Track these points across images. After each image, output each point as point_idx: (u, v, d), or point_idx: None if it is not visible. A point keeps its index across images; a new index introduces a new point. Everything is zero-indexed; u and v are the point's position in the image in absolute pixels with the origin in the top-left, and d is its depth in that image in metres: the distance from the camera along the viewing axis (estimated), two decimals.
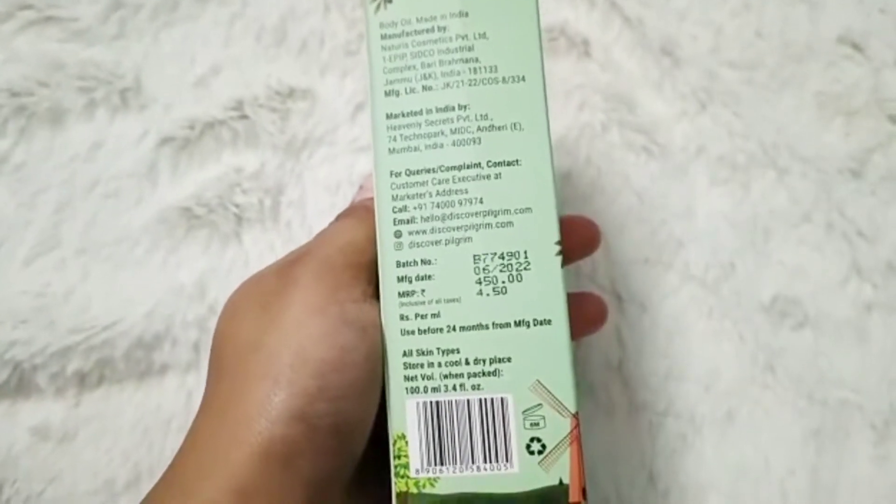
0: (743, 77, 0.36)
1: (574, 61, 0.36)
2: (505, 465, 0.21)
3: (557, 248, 0.22)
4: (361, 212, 0.25)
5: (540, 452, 0.21)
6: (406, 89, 0.23)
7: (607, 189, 0.35)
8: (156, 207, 0.33)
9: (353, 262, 0.23)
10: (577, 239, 0.29)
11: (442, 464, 0.22)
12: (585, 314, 0.30)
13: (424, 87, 0.23)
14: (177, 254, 0.33)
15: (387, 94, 0.23)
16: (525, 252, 0.22)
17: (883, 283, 0.35)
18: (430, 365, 0.22)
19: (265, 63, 0.34)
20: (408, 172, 0.23)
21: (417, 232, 0.23)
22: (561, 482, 0.21)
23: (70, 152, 0.33)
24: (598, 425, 0.33)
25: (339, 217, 0.26)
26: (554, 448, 0.21)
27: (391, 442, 0.22)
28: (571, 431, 0.21)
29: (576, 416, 0.22)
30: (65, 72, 0.33)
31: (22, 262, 0.32)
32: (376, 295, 0.24)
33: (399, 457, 0.22)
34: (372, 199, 0.25)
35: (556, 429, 0.21)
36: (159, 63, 0.34)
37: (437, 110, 0.23)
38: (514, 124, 0.22)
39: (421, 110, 0.23)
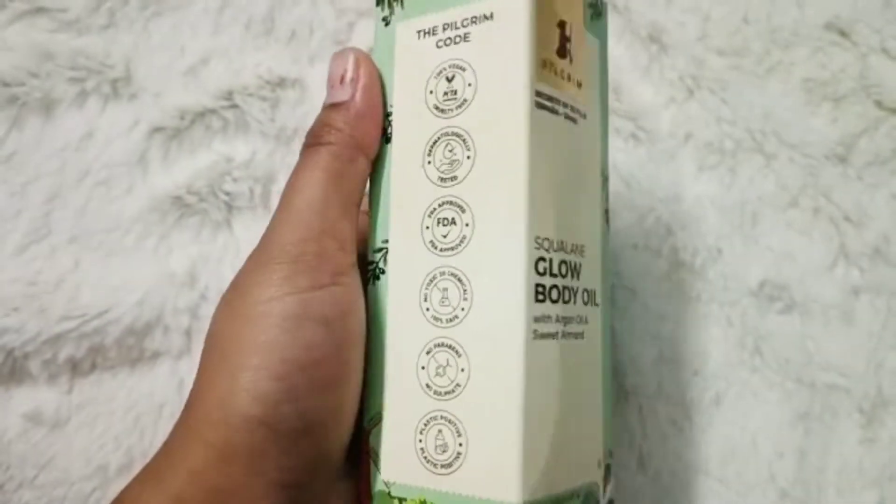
0: (730, 63, 0.36)
1: None
2: None
3: None
4: (318, 143, 0.21)
5: None
6: None
7: None
8: (147, 196, 0.33)
9: (317, 230, 0.20)
10: None
11: None
12: None
13: None
14: (168, 242, 0.33)
15: None
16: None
17: (870, 267, 0.35)
18: None
19: (254, 52, 0.35)
20: None
21: None
22: None
23: (61, 142, 0.33)
24: None
25: (301, 154, 0.22)
26: None
27: None
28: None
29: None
30: (55, 62, 0.33)
31: (13, 250, 0.32)
32: (357, 262, 0.21)
33: None
34: (336, 104, 0.22)
35: None
36: (149, 53, 0.34)
37: None
38: None
39: None
